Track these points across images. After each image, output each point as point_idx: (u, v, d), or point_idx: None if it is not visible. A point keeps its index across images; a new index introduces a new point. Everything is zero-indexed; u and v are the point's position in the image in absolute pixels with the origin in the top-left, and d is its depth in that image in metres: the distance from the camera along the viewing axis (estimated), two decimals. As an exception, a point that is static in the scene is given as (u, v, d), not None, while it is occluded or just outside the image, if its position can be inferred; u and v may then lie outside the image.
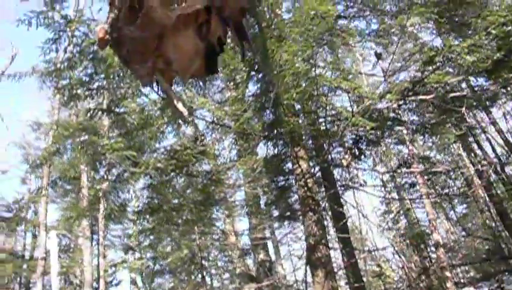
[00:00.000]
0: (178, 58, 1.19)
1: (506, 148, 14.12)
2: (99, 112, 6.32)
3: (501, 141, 14.15)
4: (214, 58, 1.26)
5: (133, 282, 19.92)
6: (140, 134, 7.57)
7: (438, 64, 5.85)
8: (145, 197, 9.29)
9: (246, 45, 1.41)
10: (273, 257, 19.69)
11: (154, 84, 1.31)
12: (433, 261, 9.93)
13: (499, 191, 13.35)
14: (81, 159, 6.69)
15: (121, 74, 6.50)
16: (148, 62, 1.15)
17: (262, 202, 11.38)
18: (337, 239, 8.21)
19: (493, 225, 14.08)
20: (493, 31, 5.23)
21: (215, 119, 7.34)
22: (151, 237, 14.19)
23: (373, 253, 11.86)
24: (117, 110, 6.52)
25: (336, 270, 8.53)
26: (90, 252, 15.24)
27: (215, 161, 8.10)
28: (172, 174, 6.75)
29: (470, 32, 6.53)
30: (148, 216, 8.27)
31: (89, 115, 6.16)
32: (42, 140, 18.31)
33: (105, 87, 6.27)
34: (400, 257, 9.27)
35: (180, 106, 1.30)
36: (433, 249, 9.42)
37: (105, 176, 7.06)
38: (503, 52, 5.38)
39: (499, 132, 13.54)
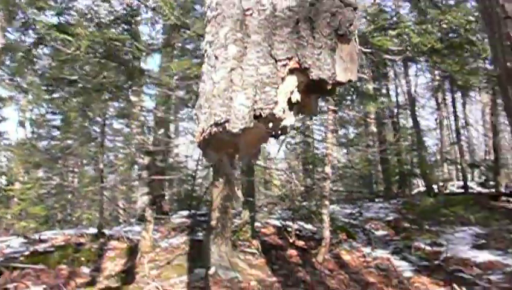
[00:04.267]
0: (245, 145, 1.33)
1: (406, 96, 15.71)
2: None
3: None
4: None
5: (21, 124, 18.91)
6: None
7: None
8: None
9: None
10: (173, 136, 20.12)
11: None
12: (316, 185, 11.26)
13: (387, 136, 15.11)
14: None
15: None
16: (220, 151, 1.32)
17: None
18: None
19: (374, 164, 16.06)
20: (445, 26, 5.55)
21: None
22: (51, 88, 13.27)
23: (267, 162, 13.02)
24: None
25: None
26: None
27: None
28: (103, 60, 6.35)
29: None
30: (60, 85, 7.81)
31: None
32: None
33: None
34: (290, 173, 10.38)
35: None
36: (321, 175, 10.59)
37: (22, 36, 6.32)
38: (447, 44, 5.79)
39: (407, 82, 14.89)
